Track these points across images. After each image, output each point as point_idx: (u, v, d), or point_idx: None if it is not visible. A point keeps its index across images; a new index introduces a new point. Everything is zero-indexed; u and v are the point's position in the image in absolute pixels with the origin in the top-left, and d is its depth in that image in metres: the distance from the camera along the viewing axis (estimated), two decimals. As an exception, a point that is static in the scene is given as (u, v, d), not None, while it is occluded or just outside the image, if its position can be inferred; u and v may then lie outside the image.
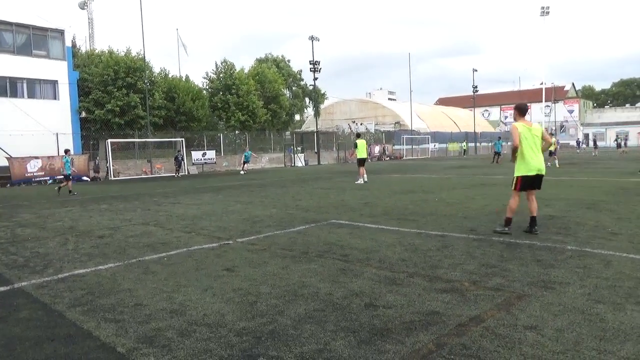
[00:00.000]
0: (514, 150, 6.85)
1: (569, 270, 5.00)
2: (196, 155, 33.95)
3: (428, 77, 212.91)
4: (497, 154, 32.28)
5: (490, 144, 68.42)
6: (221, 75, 43.16)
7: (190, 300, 4.39)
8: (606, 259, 5.42)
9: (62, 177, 18.22)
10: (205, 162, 34.34)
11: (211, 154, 35.00)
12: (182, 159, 30.78)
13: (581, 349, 3.14)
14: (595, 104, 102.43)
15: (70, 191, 17.49)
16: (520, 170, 6.86)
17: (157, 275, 5.34)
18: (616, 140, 57.43)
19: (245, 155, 30.96)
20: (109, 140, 28.81)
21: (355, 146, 18.18)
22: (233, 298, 4.42)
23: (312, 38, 42.80)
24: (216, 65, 44.09)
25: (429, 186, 15.58)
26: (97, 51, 38.72)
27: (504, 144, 37.64)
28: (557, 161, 25.04)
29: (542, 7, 78.40)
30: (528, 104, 7.26)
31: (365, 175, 17.69)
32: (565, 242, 6.33)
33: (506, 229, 6.96)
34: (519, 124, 6.83)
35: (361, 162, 17.98)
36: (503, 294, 4.30)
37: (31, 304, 4.51)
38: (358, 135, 20.25)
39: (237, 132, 42.02)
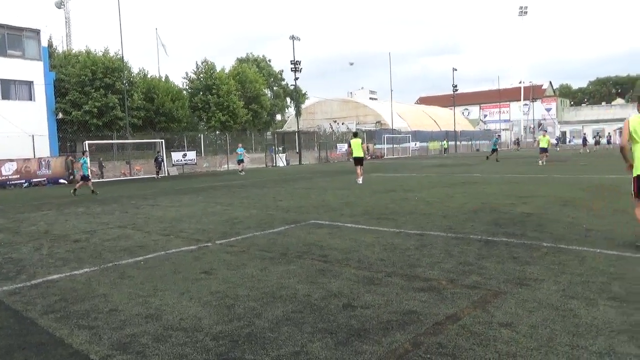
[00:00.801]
0: (620, 149, 5.87)
1: (544, 266, 5.07)
2: (176, 156, 33.62)
3: (409, 76, 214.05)
4: (494, 151, 32.94)
5: (469, 142, 69.60)
6: (201, 75, 42.79)
7: (167, 305, 4.33)
8: (581, 255, 5.52)
9: (81, 177, 18.17)
10: (186, 163, 34.05)
11: (192, 154, 34.69)
12: (162, 160, 30.40)
13: (554, 344, 3.18)
14: (572, 102, 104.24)
15: (93, 191, 17.36)
16: (638, 169, 5.78)
17: (134, 279, 5.26)
18: (594, 137, 58.94)
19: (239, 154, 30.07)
20: (87, 142, 28.31)
21: (349, 145, 17.57)
22: (210, 301, 4.37)
23: (292, 38, 42.77)
24: (196, 65, 43.73)
25: (409, 185, 15.67)
26: (74, 51, 38.01)
27: (500, 141, 38.21)
28: (542, 160, 24.24)
29: (521, 7, 79.72)
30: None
31: (360, 178, 16.72)
32: (541, 239, 6.43)
33: None
34: (632, 118, 5.78)
35: (355, 161, 17.13)
36: (479, 292, 4.34)
37: (2, 311, 4.40)
38: (355, 135, 18.66)
39: (217, 132, 41.72)
